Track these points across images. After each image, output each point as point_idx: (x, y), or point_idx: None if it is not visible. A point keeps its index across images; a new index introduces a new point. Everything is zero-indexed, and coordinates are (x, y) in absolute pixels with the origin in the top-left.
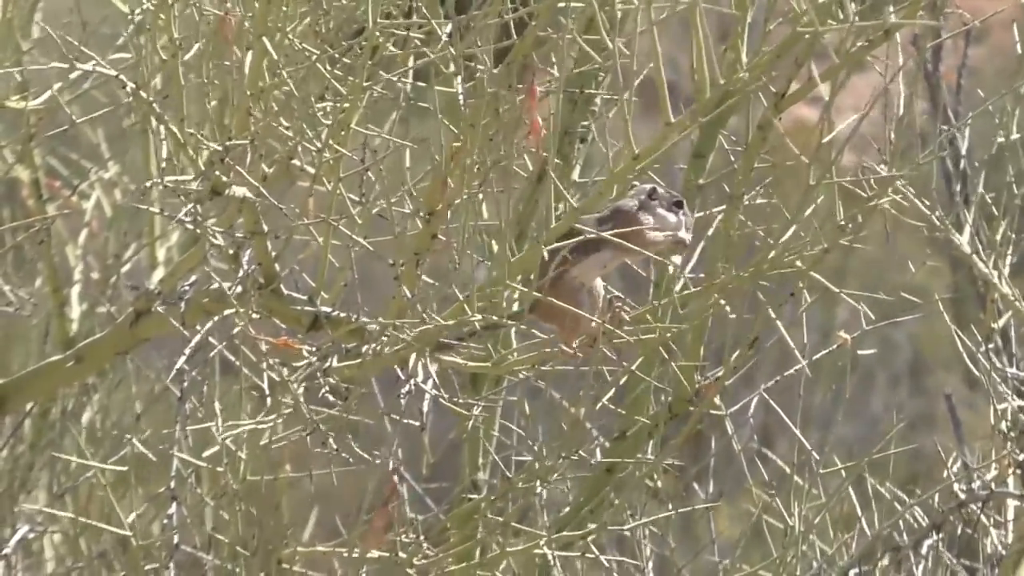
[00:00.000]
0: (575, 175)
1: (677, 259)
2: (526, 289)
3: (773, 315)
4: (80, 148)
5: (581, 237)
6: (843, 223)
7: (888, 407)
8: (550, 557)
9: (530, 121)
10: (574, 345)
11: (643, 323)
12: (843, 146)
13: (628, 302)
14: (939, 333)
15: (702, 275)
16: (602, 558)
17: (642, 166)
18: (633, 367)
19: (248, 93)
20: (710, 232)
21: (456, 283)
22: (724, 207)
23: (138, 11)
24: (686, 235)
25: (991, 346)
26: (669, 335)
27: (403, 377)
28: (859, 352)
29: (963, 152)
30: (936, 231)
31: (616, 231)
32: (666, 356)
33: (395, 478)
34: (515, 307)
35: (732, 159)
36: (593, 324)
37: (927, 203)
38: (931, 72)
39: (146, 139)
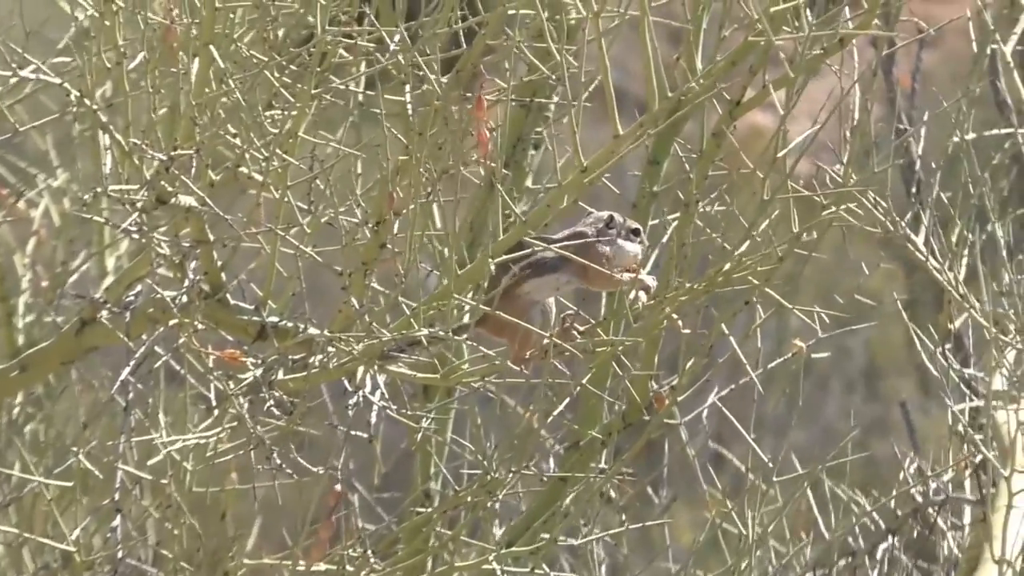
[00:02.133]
0: (528, 182)
1: (643, 296)
2: (474, 302)
3: (726, 329)
4: (28, 155)
5: (537, 255)
6: (798, 233)
7: (843, 413)
8: (499, 573)
9: (477, 130)
10: (524, 358)
11: (595, 336)
12: (798, 157)
13: (581, 314)
14: (893, 339)
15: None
16: (552, 575)
17: (591, 179)
18: (584, 380)
19: (194, 102)
20: (664, 239)
21: (405, 294)
22: (677, 215)
23: (82, 17)
24: (651, 281)
25: (948, 346)
26: (621, 348)
27: (350, 389)
28: (813, 356)
29: (918, 155)
30: (891, 235)
31: (576, 254)
32: (618, 368)
33: (339, 488)
34: (464, 319)
35: (687, 167)
36: (544, 340)
37: (883, 208)
38: (887, 76)
39: (95, 146)
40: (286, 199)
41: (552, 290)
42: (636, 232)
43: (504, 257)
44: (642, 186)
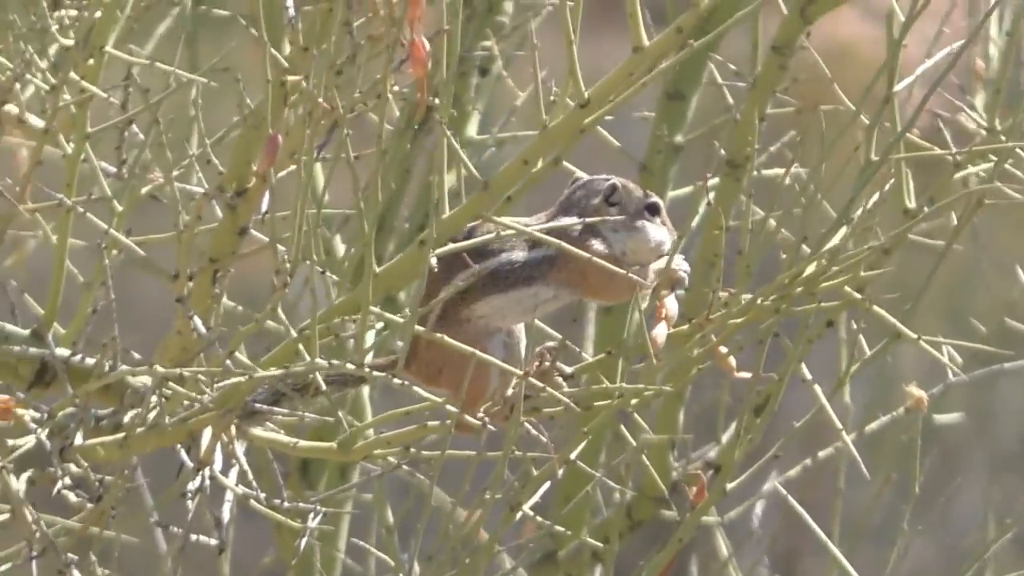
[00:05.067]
0: (471, 129)
1: (673, 307)
2: (399, 322)
3: (807, 372)
4: None
5: (499, 253)
6: (913, 209)
7: (987, 507)
8: None
9: (409, 40)
10: (476, 417)
11: (590, 382)
12: (928, 94)
13: (568, 346)
14: None
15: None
16: None
17: (593, 119)
18: (572, 454)
19: None
20: (694, 224)
21: (283, 309)
22: (716, 181)
23: None
24: (674, 307)
25: None
26: (634, 401)
27: (191, 465)
28: (938, 416)
29: None
30: None
31: (561, 253)
32: (624, 431)
33: None
34: (383, 354)
35: (730, 102)
36: (509, 387)
37: None
38: None
39: None
40: (83, 156)
41: (523, 313)
42: (654, 208)
43: (448, 248)
44: (657, 134)
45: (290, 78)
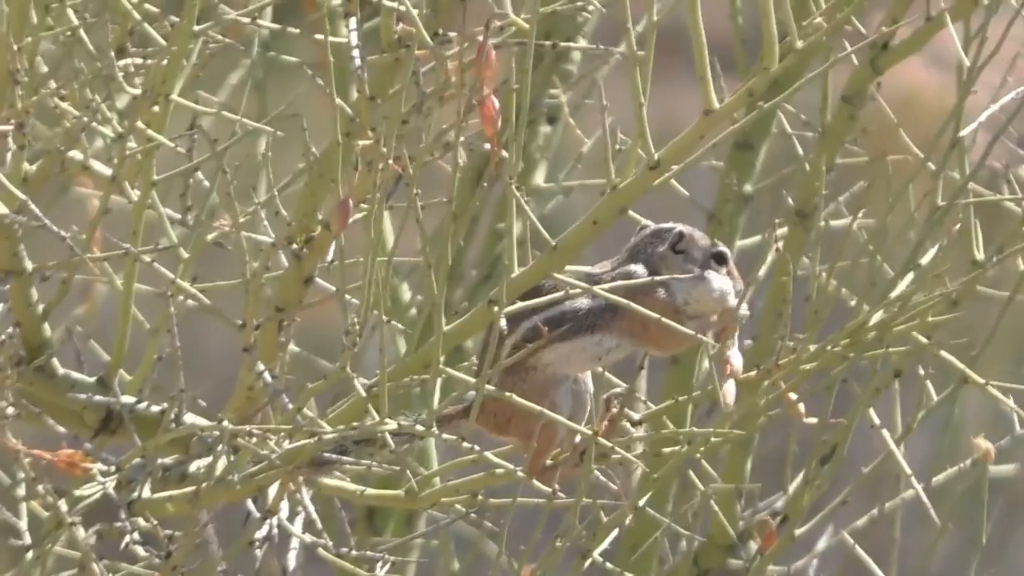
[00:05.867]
0: (538, 177)
1: (738, 361)
2: (468, 378)
3: (875, 417)
4: None
5: (561, 304)
6: (981, 261)
7: None
8: None
9: (480, 95)
10: (543, 467)
11: (658, 429)
12: (994, 138)
13: (635, 395)
14: None
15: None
16: None
17: (663, 180)
18: (640, 502)
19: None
20: (762, 273)
21: (352, 362)
22: (785, 231)
23: None
24: (737, 360)
25: None
26: (702, 449)
27: (257, 514)
28: (993, 469)
29: None
30: None
31: (629, 299)
32: (695, 480)
33: None
34: (449, 407)
35: (799, 151)
36: (576, 436)
37: None
38: None
39: None
40: (148, 202)
41: (588, 360)
42: (720, 257)
43: (517, 306)
44: (727, 183)
45: (360, 142)
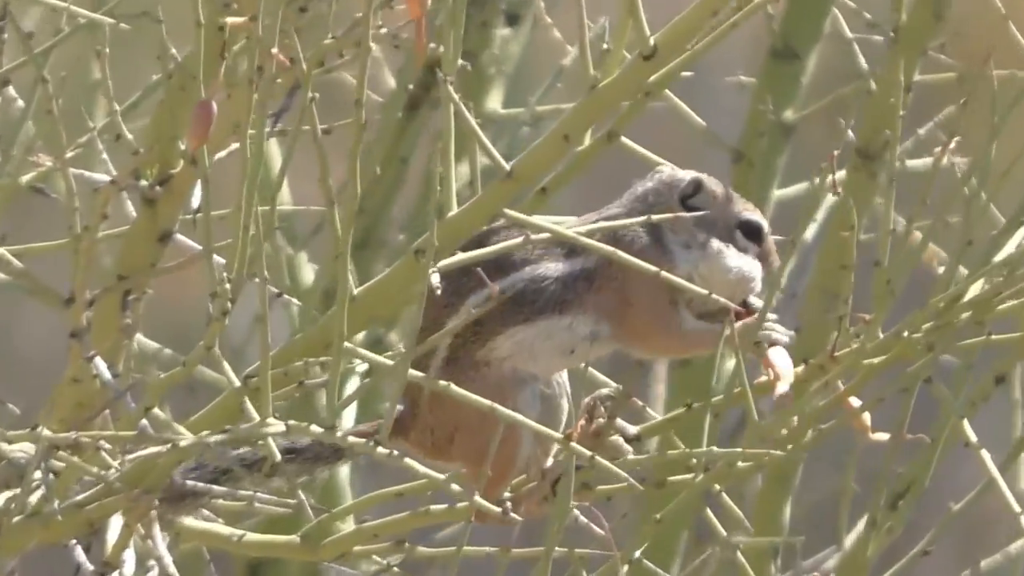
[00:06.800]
0: (494, 100)
1: (783, 362)
2: (385, 361)
3: (971, 432)
4: None
5: (528, 267)
6: None
7: None
8: None
9: None
10: (500, 500)
11: (664, 447)
12: None
13: (624, 398)
14: None
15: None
16: None
17: (660, 75)
18: (637, 552)
19: None
20: (808, 235)
21: (223, 349)
22: (843, 174)
23: None
24: (786, 385)
25: None
26: (723, 479)
27: (90, 567)
28: None
29: None
30: None
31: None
32: (714, 523)
33: None
34: (369, 416)
35: (862, 63)
36: (549, 455)
37: None
38: None
39: None
40: None
41: (557, 353)
42: (751, 229)
43: (455, 259)
44: (760, 109)
45: (231, 20)
